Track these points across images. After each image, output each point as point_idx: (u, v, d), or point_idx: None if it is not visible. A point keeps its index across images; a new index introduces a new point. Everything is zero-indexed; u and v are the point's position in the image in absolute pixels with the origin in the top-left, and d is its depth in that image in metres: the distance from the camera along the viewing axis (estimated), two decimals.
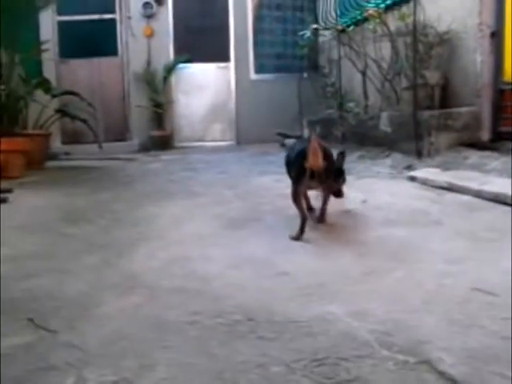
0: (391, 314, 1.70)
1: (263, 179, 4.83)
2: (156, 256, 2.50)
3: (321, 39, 8.44)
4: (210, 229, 3.01)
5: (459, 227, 2.76)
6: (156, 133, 9.19)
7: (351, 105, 6.46)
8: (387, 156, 5.11)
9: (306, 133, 7.91)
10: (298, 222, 2.69)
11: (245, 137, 9.45)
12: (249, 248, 2.58)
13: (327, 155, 2.72)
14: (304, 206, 2.86)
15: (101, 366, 1.44)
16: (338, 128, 6.36)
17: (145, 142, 9.08)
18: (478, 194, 3.35)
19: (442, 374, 1.33)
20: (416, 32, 4.99)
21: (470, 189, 3.44)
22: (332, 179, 2.81)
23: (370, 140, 5.71)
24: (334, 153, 2.95)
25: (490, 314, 1.68)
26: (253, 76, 9.88)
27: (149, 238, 2.86)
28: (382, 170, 4.74)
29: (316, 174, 2.63)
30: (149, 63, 9.27)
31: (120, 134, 9.40)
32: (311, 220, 2.89)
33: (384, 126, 5.38)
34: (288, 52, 9.70)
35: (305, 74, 8.50)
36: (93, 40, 9.20)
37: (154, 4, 9.23)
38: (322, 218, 2.91)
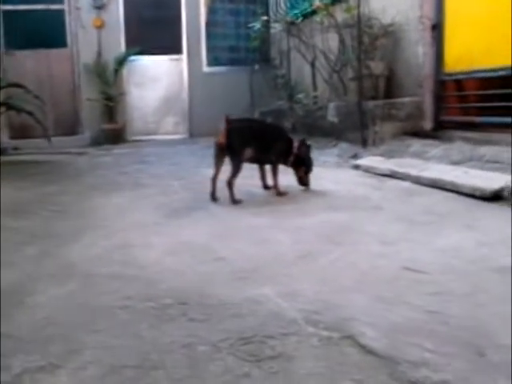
0: (321, 294, 1.74)
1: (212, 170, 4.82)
2: (97, 245, 2.48)
3: (272, 31, 8.47)
4: (153, 218, 3.01)
5: (397, 211, 2.83)
6: (108, 126, 9.03)
7: (301, 96, 6.51)
8: (334, 146, 5.19)
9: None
10: (239, 209, 2.71)
11: (198, 129, 9.38)
12: (189, 235, 2.59)
13: (230, 133, 3.22)
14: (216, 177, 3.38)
15: (28, 352, 1.43)
16: (287, 119, 6.40)
17: (96, 136, 8.91)
18: (418, 180, 3.45)
19: (363, 347, 1.37)
20: (360, 24, 5.07)
21: (410, 175, 3.53)
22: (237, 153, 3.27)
23: (318, 130, 5.78)
24: None
25: (417, 290, 1.74)
26: (205, 69, 9.83)
27: (91, 227, 2.84)
28: (329, 159, 4.81)
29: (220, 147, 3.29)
30: (99, 55, 9.08)
31: (71, 127, 9.21)
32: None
33: (331, 116, 5.45)
34: (241, 44, 9.68)
35: (256, 66, 8.51)
36: (40, 31, 8.94)
37: None
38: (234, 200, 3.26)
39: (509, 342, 1.34)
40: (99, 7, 9.05)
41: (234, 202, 3.24)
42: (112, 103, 8.99)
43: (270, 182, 3.55)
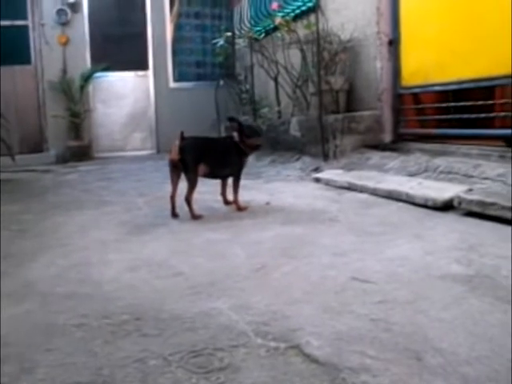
0: (272, 306, 1.80)
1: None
2: (55, 263, 2.50)
3: (237, 47, 8.58)
4: (113, 235, 3.03)
5: (352, 223, 2.92)
6: (73, 143, 8.99)
7: (265, 111, 6.61)
8: (297, 159, 5.28)
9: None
10: (199, 225, 2.76)
11: (165, 145, 9.38)
12: (148, 252, 2.62)
13: (183, 150, 3.30)
14: (175, 193, 3.44)
15: None
16: None
17: (62, 153, 8.86)
18: (375, 192, 3.55)
19: (307, 357, 1.43)
20: (319, 40, 5.19)
21: (368, 187, 3.64)
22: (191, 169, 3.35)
23: (282, 144, 5.87)
24: None
25: (363, 299, 1.81)
26: (172, 84, 9.89)
27: (51, 246, 2.85)
28: (292, 173, 4.90)
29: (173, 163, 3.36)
30: (64, 72, 9.06)
31: (36, 144, 9.14)
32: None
33: (294, 130, 5.55)
34: (207, 60, 9.78)
35: (221, 82, 8.60)
36: (4, 47, 8.88)
37: (69, 11, 9.03)
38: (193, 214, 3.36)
39: (445, 346, 1.42)
40: (64, 24, 9.04)
41: (194, 217, 3.31)
42: (78, 120, 8.97)
43: (230, 197, 3.60)
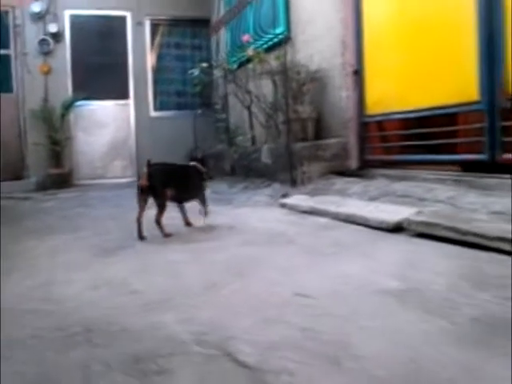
0: (214, 318, 1.94)
1: (150, 210, 5.01)
2: (21, 283, 2.61)
3: (214, 77, 8.81)
4: (80, 257, 3.16)
5: (307, 244, 3.07)
6: (54, 171, 9.10)
7: (240, 139, 6.80)
8: (267, 186, 5.45)
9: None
10: (162, 247, 2.90)
11: None
12: (111, 272, 2.75)
13: (151, 176, 3.54)
14: (141, 216, 3.64)
15: None
16: (226, 161, 6.67)
17: (43, 181, 8.96)
18: (335, 216, 3.71)
19: (238, 362, 1.56)
20: (287, 71, 5.41)
21: (328, 211, 3.80)
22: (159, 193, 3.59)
23: (254, 172, 6.04)
24: None
25: (300, 312, 1.95)
26: (152, 113, 10.09)
27: (20, 268, 2.96)
28: (261, 198, 5.06)
29: (143, 189, 3.58)
30: (46, 100, 9.22)
31: (17, 172, 9.24)
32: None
33: (265, 158, 5.73)
34: (187, 90, 9.98)
35: (199, 111, 8.81)
36: None
37: (51, 41, 9.21)
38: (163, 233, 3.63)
39: (365, 353, 1.56)
40: (46, 53, 9.21)
41: (166, 235, 3.58)
42: (58, 148, 9.10)
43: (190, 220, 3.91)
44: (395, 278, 2.27)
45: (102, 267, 2.88)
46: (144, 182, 3.55)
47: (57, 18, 9.21)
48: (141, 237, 3.58)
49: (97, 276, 2.69)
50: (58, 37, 9.26)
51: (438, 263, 2.45)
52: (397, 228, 3.18)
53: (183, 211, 3.92)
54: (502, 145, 3.76)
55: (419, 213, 3.21)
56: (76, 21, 9.46)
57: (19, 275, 2.78)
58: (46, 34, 9.14)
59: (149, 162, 3.56)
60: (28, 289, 2.51)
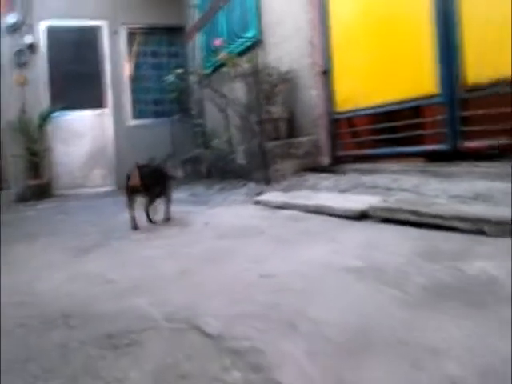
0: (185, 300, 2.06)
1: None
2: (5, 281, 2.71)
3: (190, 83, 8.94)
4: (60, 257, 3.25)
5: (277, 235, 3.20)
6: (33, 182, 9.12)
7: (216, 142, 6.93)
8: (243, 186, 5.58)
9: (179, 172, 8.29)
10: (138, 244, 3.02)
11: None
12: (89, 267, 2.86)
13: (143, 177, 3.95)
14: (134, 212, 4.09)
15: None
16: (203, 165, 6.79)
17: (22, 192, 8.99)
18: (305, 208, 3.85)
19: (203, 333, 1.69)
20: (258, 73, 5.56)
21: (299, 205, 3.94)
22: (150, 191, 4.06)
23: (230, 173, 6.17)
24: None
25: (264, 291, 2.08)
26: (131, 122, 10.15)
27: (6, 267, 3.05)
28: (238, 197, 5.19)
29: (134, 188, 3.99)
30: (23, 112, 9.24)
31: None
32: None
33: (240, 159, 5.87)
34: (165, 97, 10.06)
35: (176, 117, 8.92)
36: None
37: (27, 52, 9.25)
38: (150, 219, 4.13)
39: (319, 318, 1.70)
40: (22, 64, 9.23)
41: (151, 221, 4.11)
42: (37, 159, 9.12)
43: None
44: (356, 258, 2.41)
45: (81, 264, 2.98)
46: (136, 181, 3.94)
47: (32, 30, 9.25)
48: (136, 227, 4.04)
49: (75, 272, 2.79)
50: (33, 48, 9.29)
51: (397, 244, 2.60)
52: (362, 215, 3.31)
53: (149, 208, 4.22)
54: (462, 134, 3.93)
55: (384, 200, 3.36)
56: (52, 31, 9.51)
57: (2, 274, 2.88)
58: (21, 45, 9.17)
59: (137, 164, 4.03)
60: (11, 285, 2.61)
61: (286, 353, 1.46)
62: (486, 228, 2.51)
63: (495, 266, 2.03)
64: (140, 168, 4.00)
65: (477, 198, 3.01)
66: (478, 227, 2.55)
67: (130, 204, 4.07)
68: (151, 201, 4.10)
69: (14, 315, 2.10)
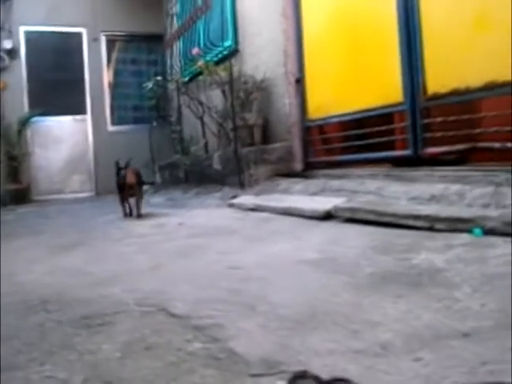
0: (155, 287, 2.23)
1: (107, 216, 5.29)
2: None
3: (169, 90, 9.11)
4: (40, 254, 3.40)
5: (246, 234, 3.39)
6: (12, 186, 9.18)
7: (193, 148, 7.11)
8: (219, 190, 5.76)
9: (157, 177, 8.46)
10: (115, 243, 3.18)
11: (104, 187, 9.70)
12: (68, 261, 3.02)
13: (138, 176, 4.91)
14: (126, 207, 5.06)
15: None
16: (180, 170, 6.97)
17: (1, 196, 9.03)
18: (275, 210, 4.04)
19: (171, 314, 1.86)
20: (233, 81, 5.76)
21: (269, 207, 4.13)
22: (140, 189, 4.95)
23: (206, 178, 6.35)
24: None
25: (229, 279, 2.25)
26: (110, 128, 10.27)
27: None
28: (213, 201, 5.38)
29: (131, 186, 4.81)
30: (2, 117, 9.31)
31: None
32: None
33: (216, 164, 6.05)
34: (144, 104, 10.19)
35: (154, 123, 9.07)
36: None
37: (6, 57, 9.32)
38: (139, 214, 4.90)
39: (275, 300, 1.88)
40: (1, 69, 9.29)
41: (140, 216, 4.86)
42: (16, 163, 9.19)
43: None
44: (315, 252, 2.61)
45: (59, 259, 3.14)
46: (132, 179, 4.79)
47: (11, 35, 9.34)
48: (131, 214, 4.99)
49: (54, 266, 2.95)
50: (13, 53, 9.38)
51: (355, 240, 2.80)
52: (327, 216, 3.51)
53: (130, 204, 5.07)
54: (423, 141, 4.15)
55: (347, 201, 3.56)
56: (31, 37, 9.62)
57: None
58: (0, 50, 9.24)
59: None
60: None
61: (242, 328, 1.64)
62: (436, 225, 2.72)
63: (438, 256, 2.23)
64: (133, 169, 4.90)
65: (432, 199, 3.23)
66: (429, 224, 2.76)
67: (124, 198, 4.97)
68: (142, 195, 4.99)
69: None
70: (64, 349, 1.62)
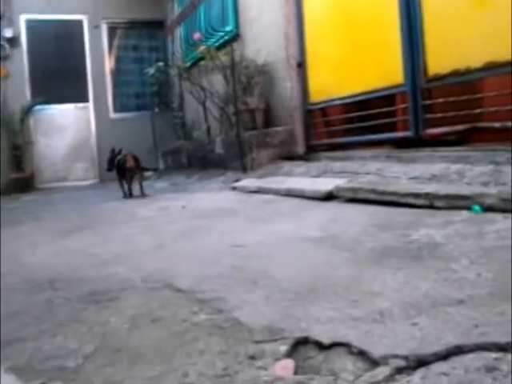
0: (159, 266, 2.28)
1: (111, 202, 5.34)
2: None
3: (171, 76, 9.11)
4: (45, 237, 3.45)
5: (249, 215, 3.44)
6: (15, 175, 9.21)
7: (196, 133, 7.14)
8: (221, 174, 5.80)
9: (160, 163, 8.51)
10: (119, 226, 3.22)
11: (108, 174, 9.70)
12: (72, 244, 3.07)
13: (136, 160, 5.44)
14: (125, 188, 5.63)
15: None
16: (183, 156, 7.00)
17: (5, 185, 9.07)
18: (277, 192, 4.08)
19: (176, 289, 1.90)
20: (235, 65, 5.78)
21: (272, 188, 4.17)
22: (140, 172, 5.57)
23: (209, 162, 6.39)
24: None
25: (232, 256, 2.30)
26: (112, 115, 10.28)
27: None
28: (215, 185, 5.42)
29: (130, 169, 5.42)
30: (5, 105, 9.32)
31: None
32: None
33: (218, 148, 6.09)
34: (146, 91, 10.20)
35: (156, 110, 9.09)
36: None
37: (7, 46, 9.31)
38: (143, 193, 5.52)
39: (276, 275, 1.92)
40: (3, 58, 9.29)
41: (144, 195, 5.45)
42: (19, 152, 9.22)
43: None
44: (317, 230, 2.65)
45: (64, 242, 3.19)
46: (131, 164, 5.39)
47: (12, 23, 9.33)
48: (131, 195, 5.55)
49: (59, 248, 3.00)
50: (14, 41, 9.36)
51: (356, 218, 2.84)
52: (329, 196, 3.55)
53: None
54: (424, 122, 4.18)
55: (349, 182, 3.60)
56: (32, 25, 9.61)
57: None
58: (1, 39, 9.23)
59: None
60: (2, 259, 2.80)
61: (245, 300, 1.69)
62: (436, 202, 2.76)
63: (437, 232, 2.28)
64: (132, 155, 5.51)
65: (432, 178, 3.26)
66: (429, 202, 2.80)
67: (124, 181, 5.53)
68: (143, 177, 5.58)
69: (3, 282, 2.30)
70: (74, 322, 1.66)
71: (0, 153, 9.12)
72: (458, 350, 1.15)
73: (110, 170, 5.91)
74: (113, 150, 5.83)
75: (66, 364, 1.33)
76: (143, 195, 5.43)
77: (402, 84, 4.34)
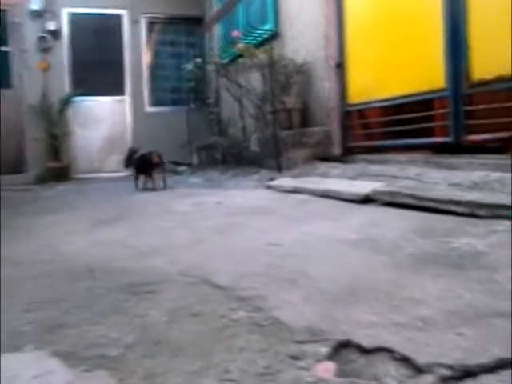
0: (197, 261, 2.29)
1: (144, 195, 5.40)
2: (31, 244, 2.96)
3: (208, 72, 9.16)
4: (80, 226, 3.51)
5: (284, 214, 3.43)
6: (52, 164, 9.38)
7: (231, 130, 7.16)
8: (256, 172, 5.80)
9: (194, 158, 8.56)
10: (153, 217, 3.25)
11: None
12: (108, 235, 3.10)
13: (160, 158, 5.90)
14: (140, 182, 6.16)
15: None
16: (218, 152, 7.03)
17: (42, 174, 9.23)
18: (313, 192, 4.06)
19: (214, 285, 1.91)
20: (274, 64, 5.77)
21: (308, 189, 4.16)
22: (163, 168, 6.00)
23: (244, 160, 6.40)
24: None
25: (269, 255, 2.30)
26: (148, 109, 10.37)
27: (26, 235, 3.30)
28: (250, 183, 5.42)
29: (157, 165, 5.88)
30: (44, 96, 9.49)
31: (16, 166, 9.52)
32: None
33: (254, 146, 6.09)
34: (182, 86, 10.26)
35: (192, 105, 9.14)
36: None
37: (50, 38, 9.48)
38: (165, 187, 5.88)
39: (315, 275, 1.91)
40: (45, 50, 9.47)
41: (165, 188, 5.79)
42: (57, 142, 9.38)
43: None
44: (355, 233, 2.63)
45: (100, 232, 3.23)
46: (157, 159, 5.85)
47: (55, 16, 9.49)
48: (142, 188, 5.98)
49: (96, 238, 3.04)
50: (56, 34, 9.52)
51: (394, 223, 2.81)
52: (366, 199, 3.52)
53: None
54: (465, 128, 4.11)
55: (387, 185, 3.56)
56: (74, 19, 9.76)
57: (27, 240, 3.13)
58: (44, 31, 9.40)
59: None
60: (36, 248, 2.86)
61: (285, 299, 1.69)
62: (477, 211, 2.71)
63: (479, 241, 2.23)
64: (157, 152, 5.93)
65: (473, 186, 3.21)
66: (470, 210, 2.75)
67: (145, 175, 6.04)
68: (165, 172, 5.96)
69: (40, 269, 2.34)
70: (114, 312, 1.68)
71: (38, 143, 9.27)
72: (505, 363, 1.13)
73: (127, 166, 6.42)
74: (130, 149, 6.49)
75: (107, 353, 1.35)
76: (165, 188, 5.85)
77: (443, 88, 4.27)
